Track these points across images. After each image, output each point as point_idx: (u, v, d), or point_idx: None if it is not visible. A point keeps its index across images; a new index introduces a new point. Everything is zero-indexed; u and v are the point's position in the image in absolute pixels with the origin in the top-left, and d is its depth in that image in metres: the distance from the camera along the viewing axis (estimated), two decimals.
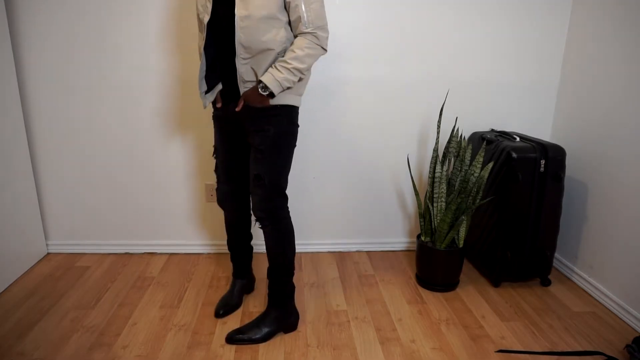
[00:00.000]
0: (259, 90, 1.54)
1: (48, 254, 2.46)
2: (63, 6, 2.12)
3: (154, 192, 2.43)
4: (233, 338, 1.74)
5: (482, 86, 2.37)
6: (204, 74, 1.63)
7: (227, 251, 2.51)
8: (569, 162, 2.29)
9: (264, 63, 1.55)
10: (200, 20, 1.57)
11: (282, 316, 1.79)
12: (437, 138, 2.08)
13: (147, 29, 2.18)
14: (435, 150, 2.08)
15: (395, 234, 2.59)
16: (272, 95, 1.55)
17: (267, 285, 1.83)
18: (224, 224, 2.46)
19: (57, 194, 2.40)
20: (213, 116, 1.78)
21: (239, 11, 1.49)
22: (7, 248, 2.13)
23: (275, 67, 1.54)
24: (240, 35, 1.51)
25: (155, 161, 2.38)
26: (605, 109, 2.07)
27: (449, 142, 2.14)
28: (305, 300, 2.06)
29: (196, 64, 2.23)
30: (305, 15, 1.55)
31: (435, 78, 2.34)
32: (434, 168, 2.08)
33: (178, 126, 2.33)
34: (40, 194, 2.40)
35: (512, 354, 1.71)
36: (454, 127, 2.13)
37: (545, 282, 2.22)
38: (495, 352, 1.73)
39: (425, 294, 2.14)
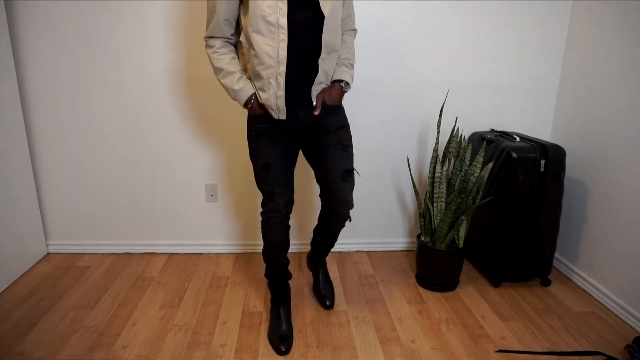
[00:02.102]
0: (342, 88, 1.62)
1: (48, 254, 2.46)
2: (63, 6, 2.12)
3: (154, 192, 2.43)
4: (332, 304, 1.99)
5: (482, 86, 2.37)
6: (282, 81, 1.48)
7: (226, 251, 2.52)
8: (569, 162, 2.29)
9: (332, 63, 1.58)
10: (267, 22, 1.42)
11: None
12: (437, 138, 2.08)
13: (148, 28, 2.18)
14: (435, 150, 2.08)
15: (395, 234, 2.59)
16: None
17: (316, 257, 2.03)
18: (225, 225, 2.49)
19: (57, 194, 2.40)
20: (262, 131, 1.60)
21: (326, 11, 1.46)
22: (7, 248, 2.13)
23: (344, 65, 1.63)
24: (326, 35, 1.49)
25: (155, 161, 2.38)
26: (606, 109, 2.07)
27: (449, 142, 2.14)
28: (305, 300, 2.06)
29: (196, 65, 2.23)
30: (353, 12, 1.67)
31: (435, 78, 2.34)
32: (434, 168, 2.08)
33: (178, 126, 2.33)
34: (40, 194, 2.40)
35: (512, 354, 1.71)
36: (454, 127, 2.13)
37: (545, 282, 2.21)
38: (495, 352, 1.73)
39: (425, 294, 2.14)
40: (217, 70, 1.56)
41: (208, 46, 1.56)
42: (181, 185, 2.42)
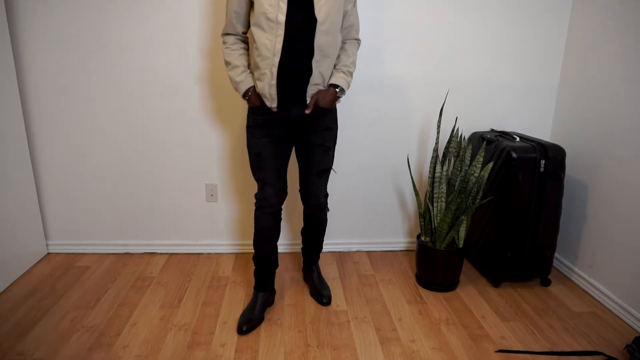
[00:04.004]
0: (337, 93, 1.72)
1: (48, 254, 2.46)
2: (63, 5, 2.12)
3: (154, 192, 2.43)
4: (330, 298, 2.03)
5: (482, 86, 2.37)
6: (275, 71, 1.60)
7: (226, 251, 2.52)
8: (569, 162, 2.29)
9: (327, 67, 1.68)
10: (268, 19, 1.56)
11: None
12: (437, 138, 2.08)
13: (148, 27, 2.18)
14: (435, 150, 2.08)
15: (395, 234, 2.59)
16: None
17: (308, 254, 2.12)
18: (225, 225, 2.49)
19: (57, 194, 2.40)
20: (257, 123, 1.73)
21: (319, 15, 1.57)
22: (7, 248, 2.13)
23: (342, 71, 1.73)
24: (319, 39, 1.60)
25: (155, 161, 2.38)
26: (605, 109, 2.07)
27: (449, 142, 2.14)
28: (305, 300, 2.06)
29: (196, 64, 2.23)
30: (356, 22, 1.77)
31: (435, 78, 2.34)
32: (434, 168, 2.08)
33: (178, 126, 2.33)
34: (40, 194, 2.40)
35: (512, 354, 1.71)
36: (454, 127, 2.13)
37: (545, 282, 2.22)
38: (495, 352, 1.73)
39: (425, 294, 2.14)
40: (227, 64, 1.72)
41: (223, 42, 1.73)
42: (181, 185, 2.42)
